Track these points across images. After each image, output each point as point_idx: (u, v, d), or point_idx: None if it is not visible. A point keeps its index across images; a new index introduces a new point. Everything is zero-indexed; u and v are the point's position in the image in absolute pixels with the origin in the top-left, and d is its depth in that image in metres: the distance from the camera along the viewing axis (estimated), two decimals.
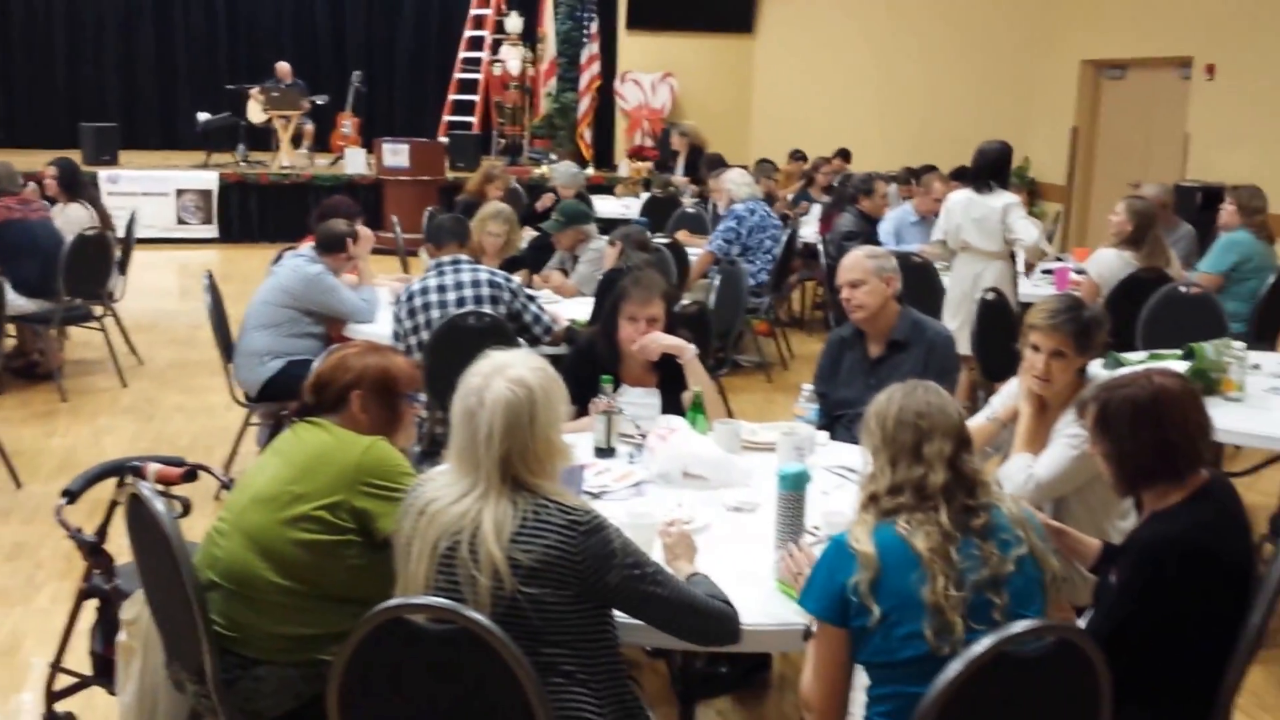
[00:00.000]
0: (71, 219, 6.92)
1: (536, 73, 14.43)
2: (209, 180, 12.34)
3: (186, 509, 2.78)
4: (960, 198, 6.23)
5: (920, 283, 6.06)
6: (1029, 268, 6.66)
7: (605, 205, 10.21)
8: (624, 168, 13.58)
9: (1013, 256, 6.21)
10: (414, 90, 15.87)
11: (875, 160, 11.15)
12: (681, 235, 8.09)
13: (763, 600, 2.43)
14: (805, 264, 8.80)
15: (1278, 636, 3.86)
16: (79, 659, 3.11)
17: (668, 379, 3.71)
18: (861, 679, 2.18)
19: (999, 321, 5.38)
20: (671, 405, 3.62)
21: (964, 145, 7.51)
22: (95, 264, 6.70)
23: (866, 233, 7.45)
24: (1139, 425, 2.39)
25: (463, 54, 14.64)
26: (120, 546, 2.77)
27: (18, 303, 6.38)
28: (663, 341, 3.64)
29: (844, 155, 11.80)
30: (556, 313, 5.08)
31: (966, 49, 13.03)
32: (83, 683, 3.14)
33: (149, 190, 12.01)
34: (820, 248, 7.99)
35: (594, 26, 14.34)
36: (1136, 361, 4.11)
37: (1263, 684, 3.68)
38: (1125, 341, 4.84)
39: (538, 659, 2.07)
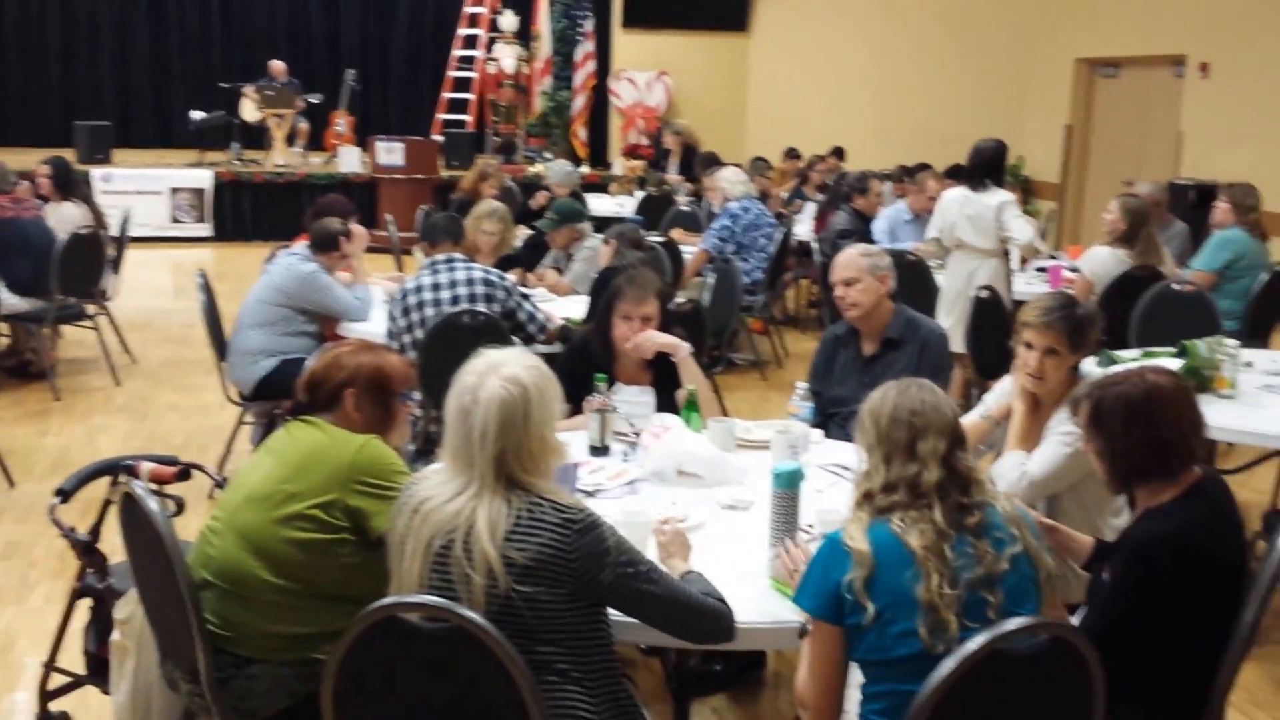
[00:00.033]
0: (65, 217, 6.90)
1: (531, 71, 14.42)
2: (203, 179, 12.32)
3: (180, 508, 2.77)
4: (956, 195, 6.24)
5: (914, 281, 6.07)
6: (1023, 262, 6.68)
7: (600, 203, 10.22)
8: (619, 166, 13.58)
9: (1007, 254, 6.23)
10: (408, 88, 15.85)
11: (870, 158, 11.17)
12: (676, 233, 8.09)
13: (757, 598, 2.43)
14: (800, 262, 8.81)
15: (1271, 633, 3.89)
16: (73, 658, 3.11)
17: (662, 377, 3.70)
18: (856, 676, 2.18)
19: (993, 319, 5.39)
20: (666, 403, 3.62)
21: (958, 143, 7.52)
22: (88, 263, 6.68)
23: (861, 231, 7.45)
24: (1132, 423, 2.39)
25: (457, 52, 14.63)
26: (114, 546, 2.77)
27: (11, 301, 6.38)
28: (657, 340, 3.64)
29: (838, 153, 11.81)
30: (551, 311, 5.08)
31: (961, 47, 13.05)
32: (77, 682, 3.13)
33: (143, 189, 11.99)
34: (815, 246, 7.99)
35: (589, 25, 14.33)
36: (1130, 359, 4.12)
37: (1256, 681, 3.69)
38: (1118, 339, 4.85)
39: (532, 657, 2.07)
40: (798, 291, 9.76)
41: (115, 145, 12.76)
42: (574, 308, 5.38)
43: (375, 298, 5.29)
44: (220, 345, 5.18)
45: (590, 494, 2.98)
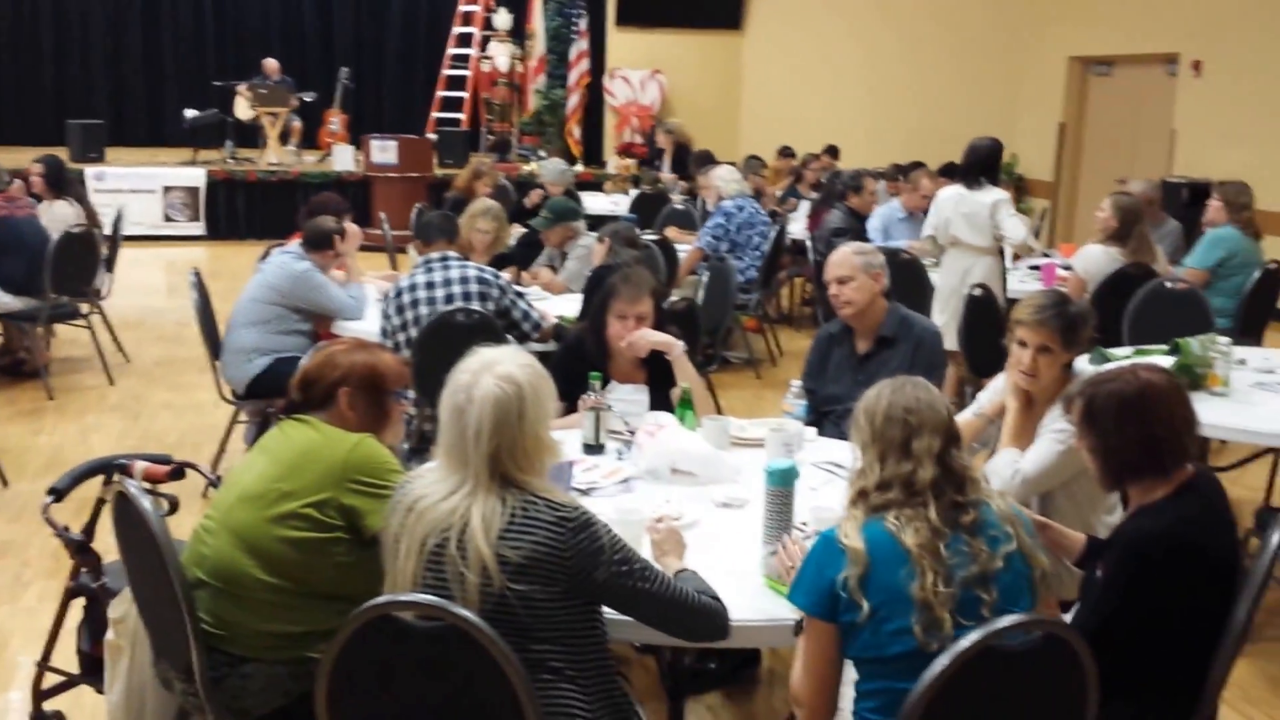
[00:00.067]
0: (58, 216, 6.89)
1: (525, 69, 14.41)
2: (196, 177, 12.30)
3: (174, 507, 2.77)
4: (950, 193, 6.25)
5: (908, 279, 6.08)
6: (1015, 258, 6.69)
7: (594, 202, 10.20)
8: (613, 164, 13.58)
9: (1002, 252, 6.24)
10: (402, 87, 15.84)
11: (863, 157, 11.18)
12: (670, 232, 8.08)
13: (751, 596, 2.43)
14: (794, 260, 8.82)
15: (1264, 630, 3.90)
16: (67, 658, 3.10)
17: (656, 376, 3.71)
18: (850, 674, 2.18)
19: (986, 317, 5.40)
20: (660, 402, 3.62)
21: (952, 142, 7.54)
22: (82, 261, 6.67)
23: (855, 229, 7.45)
24: (1125, 420, 2.40)
25: (451, 50, 14.62)
26: (107, 545, 2.76)
27: (3, 300, 6.37)
28: (651, 338, 3.64)
29: (832, 152, 11.81)
30: (545, 310, 5.08)
31: (954, 45, 13.07)
32: (70, 681, 3.13)
33: (136, 187, 11.97)
34: (809, 244, 8.00)
35: (583, 23, 14.33)
36: (1122, 357, 4.13)
37: (1248, 678, 3.70)
38: (1111, 337, 4.86)
39: (526, 656, 2.07)
40: (792, 290, 9.76)
41: (108, 144, 12.75)
42: (568, 306, 5.37)
43: (369, 296, 5.29)
44: (214, 344, 5.17)
45: (585, 492, 2.98)
